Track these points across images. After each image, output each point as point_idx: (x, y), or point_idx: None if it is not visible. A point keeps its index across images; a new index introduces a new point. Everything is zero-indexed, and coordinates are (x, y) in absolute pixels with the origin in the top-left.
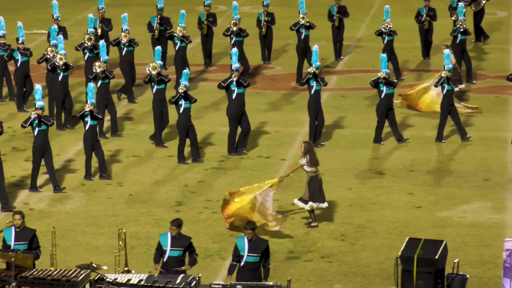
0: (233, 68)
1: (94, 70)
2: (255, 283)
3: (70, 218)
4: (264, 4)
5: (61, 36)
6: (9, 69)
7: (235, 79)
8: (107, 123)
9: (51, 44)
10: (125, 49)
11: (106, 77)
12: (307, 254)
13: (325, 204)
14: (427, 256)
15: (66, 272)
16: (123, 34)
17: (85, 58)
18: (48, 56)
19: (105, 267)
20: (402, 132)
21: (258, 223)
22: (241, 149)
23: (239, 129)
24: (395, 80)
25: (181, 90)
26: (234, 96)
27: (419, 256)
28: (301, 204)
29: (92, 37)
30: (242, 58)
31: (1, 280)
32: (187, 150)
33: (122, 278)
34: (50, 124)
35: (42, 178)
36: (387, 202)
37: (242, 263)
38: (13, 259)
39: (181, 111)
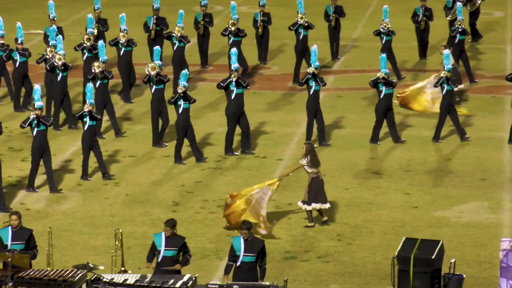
0: (232, 68)
1: (93, 70)
2: (251, 283)
3: (67, 218)
4: (260, 4)
5: (60, 36)
6: (8, 70)
7: (234, 79)
8: (105, 123)
9: (50, 44)
10: (123, 49)
11: (105, 77)
12: (303, 254)
13: (327, 205)
14: (424, 256)
15: (62, 272)
16: (121, 34)
17: (84, 58)
18: (47, 57)
19: (101, 267)
20: (399, 132)
21: (251, 220)
22: (248, 150)
23: (238, 130)
24: (395, 80)
25: (180, 90)
26: (233, 96)
27: (416, 256)
28: (304, 206)
29: (91, 37)
30: (240, 58)
31: None
32: (184, 150)
33: (118, 278)
34: (49, 125)
35: (39, 178)
36: (383, 202)
37: (238, 263)
38: (9, 259)
39: (180, 111)
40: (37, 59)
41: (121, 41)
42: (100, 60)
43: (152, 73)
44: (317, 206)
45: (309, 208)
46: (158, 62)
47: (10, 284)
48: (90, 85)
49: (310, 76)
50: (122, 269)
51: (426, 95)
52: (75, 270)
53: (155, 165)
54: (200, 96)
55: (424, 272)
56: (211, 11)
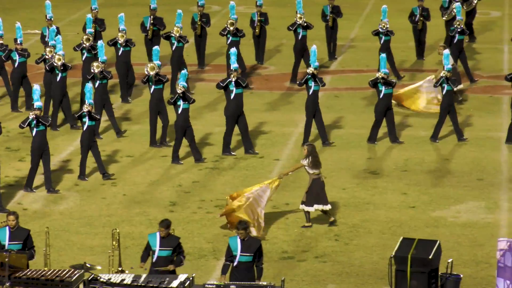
0: (232, 68)
1: (92, 71)
2: (248, 283)
3: (64, 218)
4: (258, 4)
5: (59, 36)
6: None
7: (233, 79)
8: (102, 123)
9: (49, 44)
10: (121, 49)
11: (104, 78)
12: (301, 254)
13: (328, 206)
14: (421, 256)
15: (59, 272)
16: (120, 34)
17: (83, 59)
18: (46, 57)
19: (98, 267)
20: (397, 132)
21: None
22: (252, 150)
23: (236, 130)
24: (394, 80)
25: (179, 90)
26: (232, 96)
27: (413, 256)
28: (306, 208)
29: (90, 38)
30: (238, 58)
31: None
32: (183, 150)
33: (116, 278)
34: (48, 125)
35: (37, 178)
36: (381, 202)
37: (235, 263)
38: (6, 259)
39: (179, 111)
40: (36, 59)
41: (119, 41)
42: (99, 60)
43: (151, 73)
44: (319, 207)
45: (311, 209)
46: (157, 62)
47: (7, 284)
48: (89, 85)
49: (310, 76)
50: (119, 269)
51: (421, 95)
52: (73, 270)
53: (152, 165)
54: (198, 96)
55: (422, 272)
56: (208, 11)
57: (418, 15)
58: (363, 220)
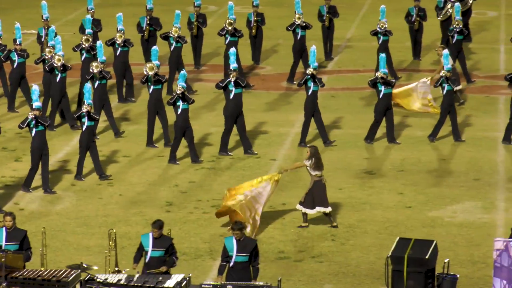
0: (231, 68)
1: (91, 71)
2: (245, 283)
3: (61, 218)
4: (254, 4)
5: (59, 37)
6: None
7: (233, 79)
8: (101, 123)
9: (49, 44)
10: (119, 49)
11: (103, 78)
12: (297, 254)
13: (329, 209)
14: (417, 256)
15: (56, 272)
16: (118, 34)
17: (82, 59)
18: (46, 57)
19: (95, 267)
20: (394, 132)
21: (239, 217)
22: (250, 150)
23: (234, 130)
24: (393, 80)
25: (179, 91)
26: (231, 96)
27: (409, 256)
28: (304, 210)
29: (90, 38)
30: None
31: None
32: (181, 151)
33: (112, 278)
34: (47, 125)
35: (35, 178)
36: (377, 202)
37: (231, 264)
38: (3, 259)
39: (179, 112)
40: (35, 59)
41: (117, 41)
42: (98, 60)
43: (150, 73)
44: (321, 209)
45: (309, 211)
46: (156, 62)
47: (4, 284)
48: (88, 85)
49: (309, 77)
50: (116, 269)
51: (415, 96)
52: (69, 270)
53: (149, 165)
54: (196, 96)
55: (418, 272)
56: (205, 11)
57: (414, 15)
58: (359, 220)
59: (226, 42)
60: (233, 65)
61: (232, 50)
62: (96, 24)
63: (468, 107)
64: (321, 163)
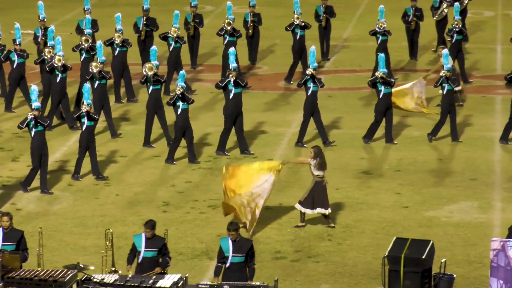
0: (230, 67)
1: (90, 71)
2: (242, 283)
3: (57, 219)
4: (251, 4)
5: (59, 37)
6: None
7: (232, 79)
8: (100, 123)
9: (48, 44)
10: (118, 49)
11: (103, 78)
12: (294, 254)
13: (329, 210)
14: (414, 256)
15: (53, 272)
16: (116, 34)
17: (82, 59)
18: (45, 57)
19: (92, 267)
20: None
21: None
22: (247, 151)
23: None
24: (393, 80)
25: (178, 91)
26: (231, 95)
27: (406, 256)
28: (303, 210)
29: (89, 39)
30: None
31: None
32: (180, 151)
33: (109, 278)
34: (47, 125)
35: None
36: (374, 202)
37: (227, 264)
38: (0, 259)
39: (179, 112)
40: (35, 59)
41: (116, 42)
42: (98, 60)
43: (150, 73)
44: (321, 211)
45: (308, 212)
46: (155, 62)
47: (0, 284)
48: (87, 85)
49: (309, 77)
50: (113, 269)
51: (411, 96)
52: (66, 270)
53: (145, 165)
54: (194, 97)
55: (415, 272)
56: (201, 11)
57: (411, 15)
58: (356, 220)
59: (225, 42)
60: (233, 64)
61: (232, 50)
62: (93, 24)
63: (465, 107)
64: (324, 164)
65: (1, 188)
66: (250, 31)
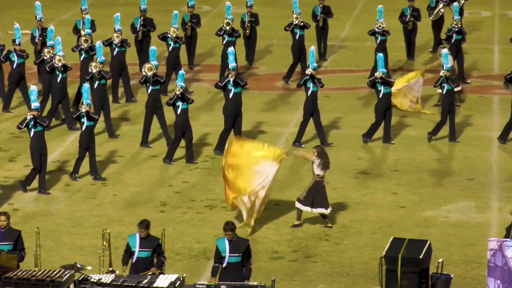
0: (230, 67)
1: (90, 71)
2: (239, 283)
3: (55, 219)
4: (248, 5)
5: (59, 37)
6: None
7: (232, 79)
8: (99, 124)
9: (48, 45)
10: (116, 49)
11: (102, 78)
12: (291, 254)
13: (328, 210)
14: (411, 256)
15: (50, 272)
16: (115, 34)
17: (81, 59)
18: (45, 57)
19: (89, 268)
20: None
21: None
22: None
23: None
24: (392, 80)
25: (178, 91)
26: (231, 95)
27: (403, 256)
28: (303, 208)
29: (89, 39)
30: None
31: None
32: (178, 151)
33: (106, 278)
34: (46, 125)
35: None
36: (371, 202)
37: (224, 264)
38: None
39: (178, 112)
40: (34, 60)
41: (115, 42)
42: (97, 60)
43: (149, 73)
44: (320, 211)
45: (306, 209)
46: (154, 62)
47: None
48: (86, 85)
49: (308, 77)
50: (110, 269)
51: (408, 94)
52: (63, 270)
53: (143, 165)
54: (192, 97)
55: (412, 271)
56: (199, 11)
57: (408, 16)
58: (353, 220)
59: (224, 42)
60: (232, 64)
61: (231, 49)
62: (91, 24)
63: (462, 107)
64: (327, 164)
65: None
66: (247, 31)
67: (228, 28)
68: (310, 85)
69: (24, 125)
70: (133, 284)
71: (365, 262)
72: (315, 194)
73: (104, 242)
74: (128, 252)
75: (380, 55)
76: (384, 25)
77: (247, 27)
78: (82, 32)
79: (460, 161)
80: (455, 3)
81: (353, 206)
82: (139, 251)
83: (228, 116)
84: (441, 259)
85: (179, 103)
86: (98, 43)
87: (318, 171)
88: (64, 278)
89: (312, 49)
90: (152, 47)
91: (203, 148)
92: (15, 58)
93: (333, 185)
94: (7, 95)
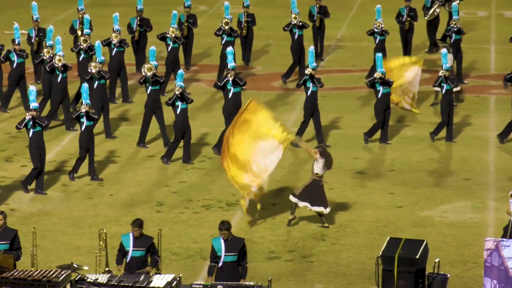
0: (229, 67)
1: (89, 71)
2: (236, 283)
3: (51, 219)
4: (245, 5)
5: (59, 37)
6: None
7: (231, 79)
8: (98, 124)
9: (47, 45)
10: (115, 49)
11: (102, 78)
12: (287, 254)
13: (327, 210)
14: (408, 255)
15: (47, 272)
16: (114, 34)
17: (80, 59)
18: (44, 58)
19: (86, 268)
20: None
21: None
22: None
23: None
24: (391, 80)
25: (177, 91)
26: (230, 95)
27: (400, 256)
28: (301, 204)
29: (88, 39)
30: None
31: None
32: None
33: (102, 278)
34: (45, 126)
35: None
36: (368, 201)
37: (220, 264)
38: None
39: (178, 112)
40: (33, 60)
41: (113, 42)
42: (97, 60)
43: (149, 74)
44: (321, 209)
45: (299, 203)
46: (154, 62)
47: None
48: (85, 85)
49: (308, 77)
50: (106, 269)
51: (407, 90)
52: (59, 270)
53: (139, 165)
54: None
55: (409, 271)
56: (195, 11)
57: (405, 16)
58: (350, 220)
59: (223, 42)
60: (231, 64)
61: (230, 49)
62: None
63: (459, 107)
64: (330, 164)
65: None
66: (244, 31)
67: (227, 28)
68: (310, 85)
69: (23, 125)
70: (129, 284)
71: (361, 262)
72: (313, 193)
73: (101, 242)
74: (122, 252)
75: (379, 55)
76: (382, 25)
77: (244, 27)
78: (79, 32)
79: (457, 161)
80: (454, 3)
81: (350, 206)
82: (133, 250)
83: (228, 116)
84: (438, 259)
85: (179, 103)
86: (97, 43)
87: (318, 170)
88: (61, 278)
89: (311, 49)
90: (152, 48)
91: (200, 148)
92: (15, 58)
93: (330, 185)
94: (6, 95)
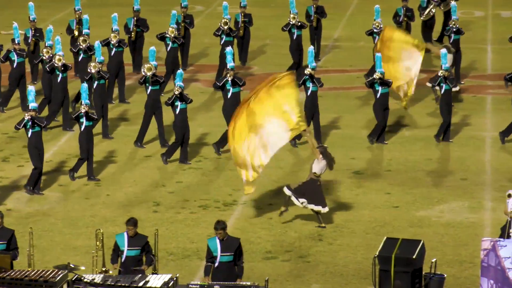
0: (228, 67)
1: (89, 71)
2: (232, 283)
3: (48, 219)
4: (242, 5)
5: (58, 37)
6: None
7: (230, 78)
8: (98, 124)
9: (46, 45)
10: (114, 49)
11: (101, 78)
12: (284, 254)
13: (326, 209)
14: (405, 255)
15: (43, 272)
16: (112, 34)
17: (79, 59)
18: (43, 57)
19: (82, 268)
20: None
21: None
22: None
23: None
24: (390, 80)
25: (176, 91)
26: (229, 95)
27: (397, 256)
28: (286, 190)
29: (87, 39)
30: (224, 59)
31: None
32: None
33: (99, 278)
34: (44, 126)
35: (25, 178)
36: (364, 201)
37: (216, 264)
38: None
39: (177, 112)
40: (34, 60)
41: (112, 42)
42: (96, 60)
43: (148, 74)
44: (318, 208)
45: (296, 201)
46: (153, 62)
47: None
48: (85, 85)
49: (307, 77)
50: (103, 269)
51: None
52: (56, 270)
53: (136, 165)
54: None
55: (405, 271)
56: (192, 11)
57: (402, 16)
58: (346, 220)
59: (222, 42)
60: (230, 64)
61: (229, 49)
62: (83, 24)
63: (456, 107)
64: (332, 165)
65: None
66: (241, 31)
67: (226, 27)
68: (310, 85)
69: (22, 125)
70: (126, 284)
71: (358, 262)
72: (311, 191)
73: (98, 242)
74: (117, 251)
75: (379, 55)
76: (381, 25)
77: (241, 27)
78: (76, 32)
79: (453, 161)
80: (453, 3)
81: (346, 206)
82: (127, 250)
83: (228, 116)
84: (435, 259)
85: (178, 103)
86: (97, 43)
87: (317, 169)
88: (58, 278)
89: (310, 49)
90: (152, 48)
91: (197, 148)
92: (15, 57)
93: (326, 185)
94: (6, 94)
